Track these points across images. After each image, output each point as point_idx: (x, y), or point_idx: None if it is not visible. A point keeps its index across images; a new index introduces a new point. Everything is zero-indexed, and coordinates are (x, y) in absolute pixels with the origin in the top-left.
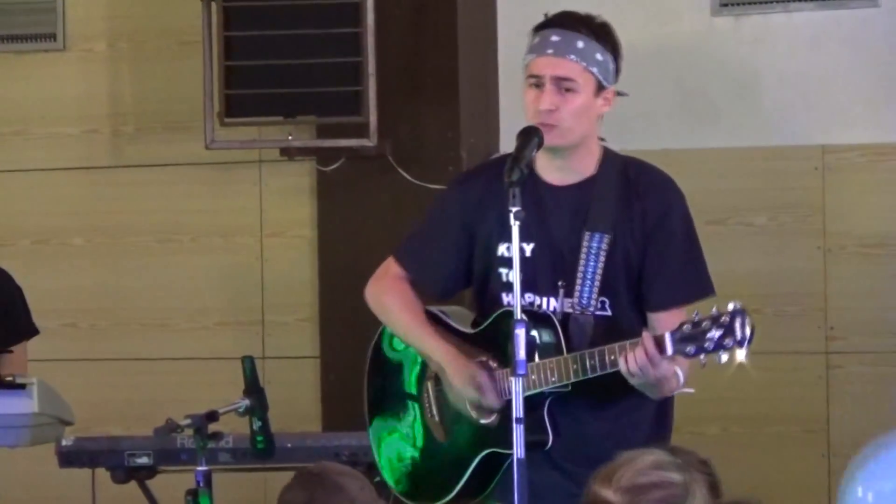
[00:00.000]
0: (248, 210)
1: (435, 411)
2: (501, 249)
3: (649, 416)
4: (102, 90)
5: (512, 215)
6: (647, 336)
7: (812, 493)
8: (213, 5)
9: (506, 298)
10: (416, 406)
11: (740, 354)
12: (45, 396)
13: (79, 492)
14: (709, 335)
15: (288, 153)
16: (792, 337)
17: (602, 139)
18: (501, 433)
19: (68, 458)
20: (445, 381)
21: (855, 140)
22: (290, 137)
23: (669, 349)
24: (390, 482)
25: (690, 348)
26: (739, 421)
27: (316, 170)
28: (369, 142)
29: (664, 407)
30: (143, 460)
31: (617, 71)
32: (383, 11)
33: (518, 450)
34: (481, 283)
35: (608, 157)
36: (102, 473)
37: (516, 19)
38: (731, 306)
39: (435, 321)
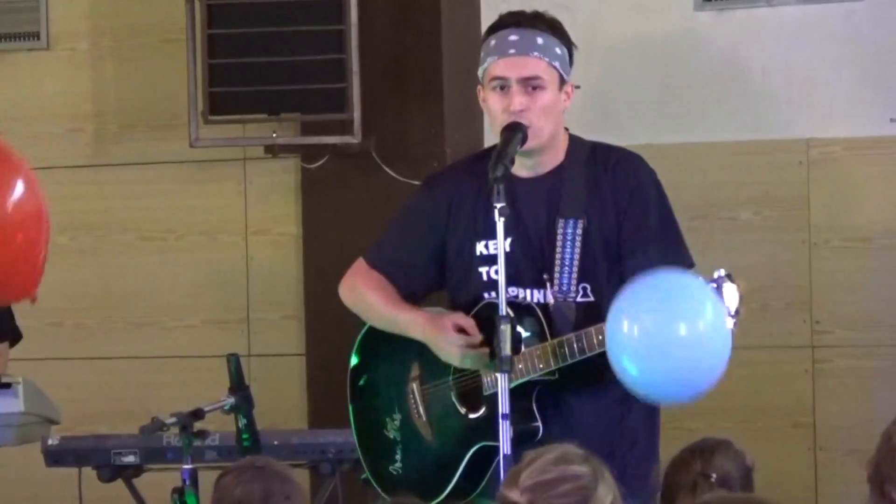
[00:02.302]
0: (233, 208)
1: (422, 411)
2: (479, 248)
3: (638, 402)
4: (86, 89)
5: (497, 211)
6: None
7: (798, 487)
8: (197, 3)
9: (487, 297)
10: (403, 409)
11: (728, 322)
12: (30, 395)
13: (65, 491)
14: None
15: (272, 151)
16: (778, 331)
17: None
18: (490, 426)
19: (54, 457)
20: (433, 351)
21: (839, 134)
22: (274, 135)
23: None
24: (382, 490)
25: None
26: (725, 415)
27: (300, 167)
28: (353, 139)
29: None
30: (130, 459)
31: (571, 64)
32: (367, 8)
33: (504, 445)
34: (458, 285)
35: (575, 143)
36: (89, 472)
37: (512, 12)
38: (716, 274)
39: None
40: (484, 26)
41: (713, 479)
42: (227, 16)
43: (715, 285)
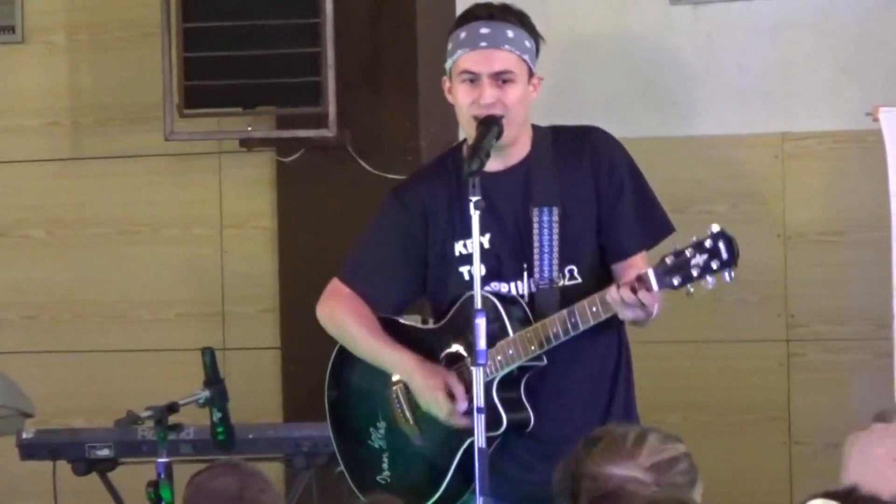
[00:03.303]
0: (208, 201)
1: (409, 415)
2: (458, 248)
3: (617, 385)
4: (62, 82)
5: (472, 205)
6: (627, 276)
7: (773, 481)
8: None
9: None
10: (387, 416)
11: (727, 276)
12: (5, 388)
13: (40, 484)
14: (693, 262)
15: (248, 144)
16: (752, 325)
17: None
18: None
19: (29, 451)
20: (417, 396)
21: (814, 128)
22: (249, 129)
23: (655, 285)
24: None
25: (676, 279)
26: (700, 409)
27: (276, 161)
28: (329, 132)
29: (628, 374)
30: (104, 452)
31: (537, 56)
32: (342, 2)
33: (479, 438)
34: (439, 287)
35: (536, 132)
36: (63, 466)
37: (481, 4)
38: (713, 229)
39: (393, 325)
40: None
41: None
42: (203, 9)
43: (710, 241)
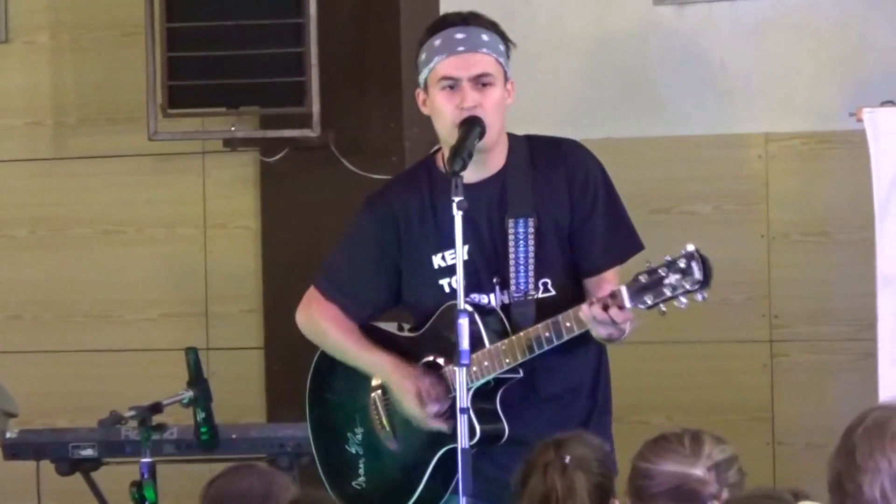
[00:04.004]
0: (192, 201)
1: (385, 422)
2: (437, 261)
3: (594, 396)
4: (45, 82)
5: (455, 205)
6: (601, 292)
7: (757, 481)
8: None
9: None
10: (365, 423)
11: (699, 296)
12: None
13: (23, 484)
14: (667, 281)
15: (231, 144)
16: (736, 325)
17: None
18: (457, 428)
19: (13, 451)
20: (392, 394)
21: (798, 128)
22: (233, 128)
23: (627, 302)
24: None
25: (648, 298)
26: (684, 409)
27: (259, 160)
28: (312, 132)
29: (605, 387)
30: (88, 452)
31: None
32: (326, 2)
33: (462, 440)
34: (419, 300)
35: (513, 142)
36: (47, 466)
37: (459, 7)
38: (687, 248)
39: (374, 331)
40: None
41: (566, 461)
42: (187, 9)
43: (683, 260)
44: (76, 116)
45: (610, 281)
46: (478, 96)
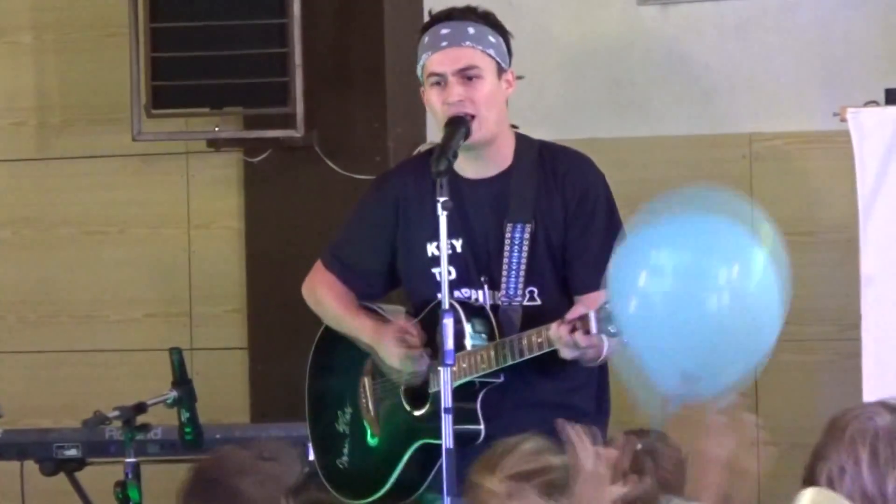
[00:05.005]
0: (176, 201)
1: (371, 406)
2: (431, 249)
3: (588, 402)
4: (28, 82)
5: (439, 205)
6: (572, 313)
7: None
8: None
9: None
10: (354, 404)
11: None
12: None
13: (7, 485)
14: None
15: (215, 144)
16: None
17: (514, 126)
18: (433, 424)
19: None
20: (378, 356)
21: (782, 128)
22: (216, 129)
23: (594, 328)
24: (329, 484)
25: (612, 327)
26: None
27: (243, 161)
28: (296, 132)
29: (601, 392)
30: (72, 452)
31: (510, 53)
32: (310, 2)
33: (447, 439)
34: (413, 286)
35: (522, 144)
36: (31, 466)
37: (443, 8)
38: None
39: (373, 314)
40: (427, 20)
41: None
42: (170, 10)
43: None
44: (60, 117)
45: (597, 302)
46: (464, 91)
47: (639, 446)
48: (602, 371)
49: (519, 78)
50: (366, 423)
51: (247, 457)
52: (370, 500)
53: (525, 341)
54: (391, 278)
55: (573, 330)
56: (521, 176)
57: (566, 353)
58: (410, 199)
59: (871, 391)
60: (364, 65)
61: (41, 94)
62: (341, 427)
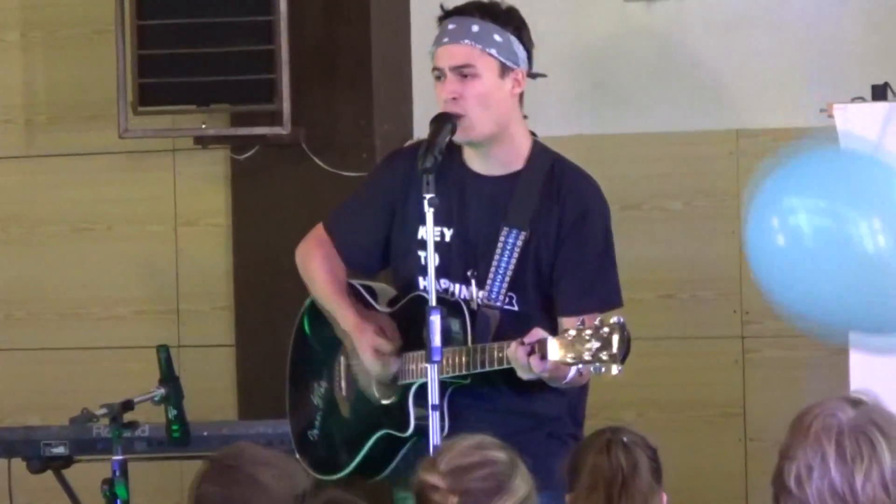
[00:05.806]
0: (163, 198)
1: (343, 385)
2: (421, 232)
3: (557, 409)
4: (16, 80)
5: (426, 202)
6: (531, 336)
7: (729, 477)
8: None
9: (422, 282)
10: (330, 380)
11: (614, 369)
12: None
13: None
14: (587, 345)
15: (202, 141)
16: (707, 321)
17: (534, 134)
18: (396, 415)
19: None
20: (353, 352)
21: (769, 124)
22: (203, 126)
23: (550, 354)
24: (297, 451)
25: (569, 356)
26: (655, 405)
27: (230, 158)
28: (283, 130)
29: (575, 400)
30: (59, 450)
31: (527, 52)
32: None
33: (434, 436)
34: (399, 262)
35: (537, 152)
36: (18, 463)
37: (429, 6)
38: (613, 319)
39: (355, 296)
40: (413, 18)
41: (626, 440)
42: (157, 7)
43: (607, 330)
44: (47, 114)
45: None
46: (458, 87)
47: (624, 439)
48: (573, 397)
49: (539, 76)
50: (337, 401)
51: (264, 451)
52: (333, 478)
53: (488, 354)
54: (382, 251)
55: (531, 353)
56: (527, 183)
57: (521, 374)
58: (416, 177)
59: (859, 386)
60: (351, 62)
61: (28, 92)
62: (316, 399)
